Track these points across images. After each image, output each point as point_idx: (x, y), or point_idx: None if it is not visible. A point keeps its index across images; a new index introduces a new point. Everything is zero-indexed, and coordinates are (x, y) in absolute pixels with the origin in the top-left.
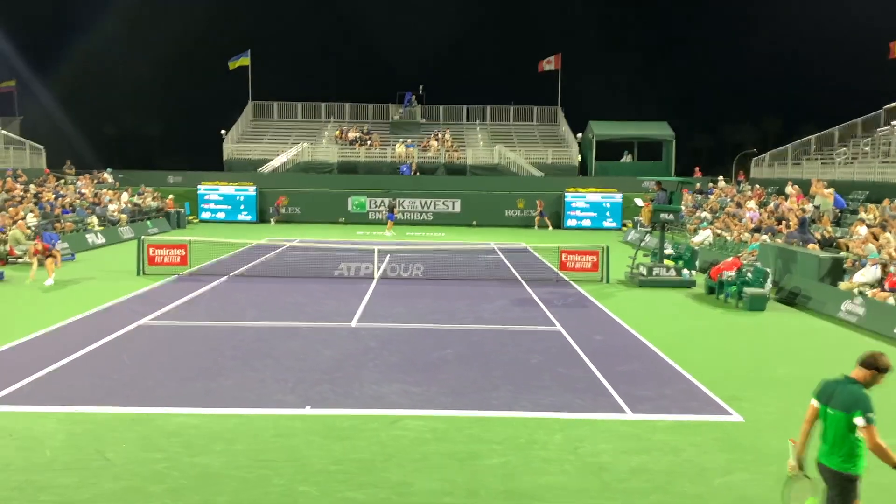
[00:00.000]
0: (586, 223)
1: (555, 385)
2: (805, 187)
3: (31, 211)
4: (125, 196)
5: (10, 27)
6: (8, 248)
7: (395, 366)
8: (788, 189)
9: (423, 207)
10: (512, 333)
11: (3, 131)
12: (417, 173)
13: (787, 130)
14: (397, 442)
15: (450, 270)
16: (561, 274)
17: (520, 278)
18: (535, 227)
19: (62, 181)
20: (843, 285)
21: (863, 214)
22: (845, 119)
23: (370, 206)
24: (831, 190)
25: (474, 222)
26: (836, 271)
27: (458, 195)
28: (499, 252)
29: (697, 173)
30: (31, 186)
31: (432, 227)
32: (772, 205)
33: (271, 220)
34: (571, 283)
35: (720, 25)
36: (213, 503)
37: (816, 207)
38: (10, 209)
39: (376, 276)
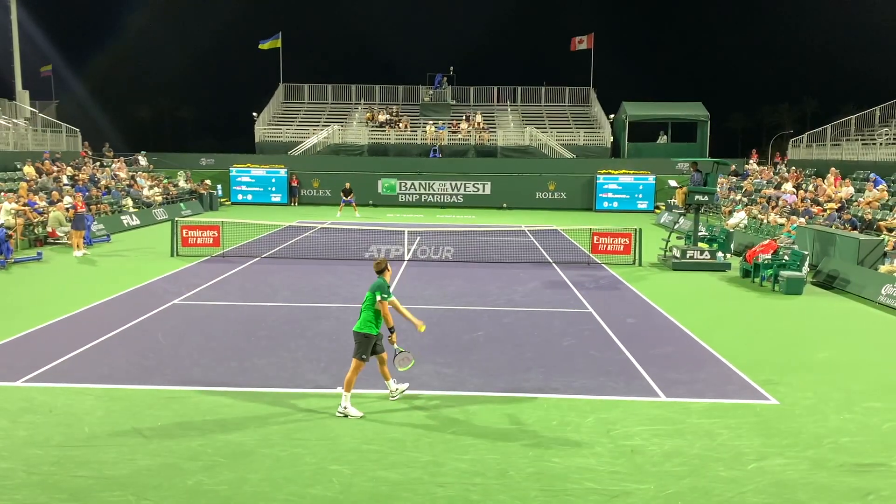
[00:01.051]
0: (618, 205)
1: (587, 367)
2: (845, 169)
3: (68, 194)
4: (164, 182)
5: (47, 13)
6: (49, 229)
7: (427, 347)
8: (829, 179)
9: (453, 189)
10: (544, 315)
11: (41, 114)
12: (440, 155)
13: (826, 110)
14: (429, 422)
15: (480, 253)
16: (593, 256)
17: (551, 261)
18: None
19: (98, 164)
20: (883, 269)
21: None
22: (886, 99)
23: (400, 189)
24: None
25: (504, 205)
26: (876, 254)
27: (489, 177)
28: (530, 235)
29: (754, 156)
30: (69, 169)
31: (462, 209)
32: (811, 187)
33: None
34: (603, 265)
35: (756, 4)
36: (247, 480)
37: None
38: (54, 193)
39: (406, 257)
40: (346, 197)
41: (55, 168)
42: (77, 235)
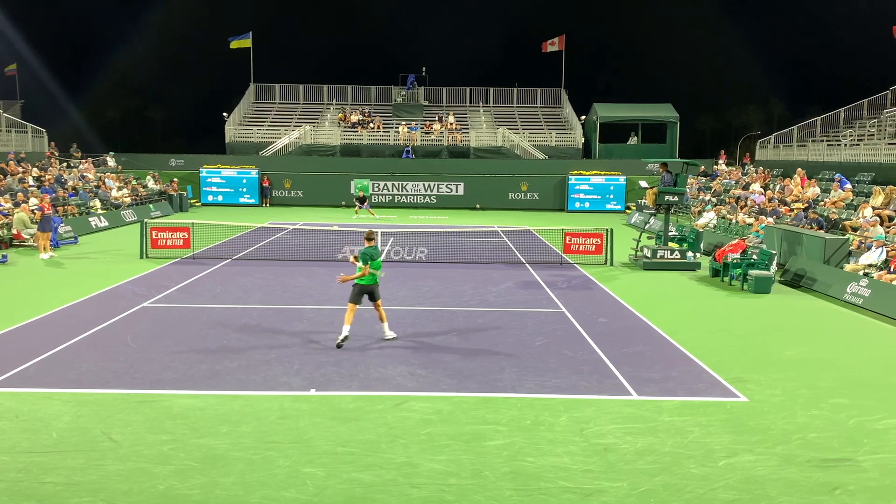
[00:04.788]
0: (589, 206)
1: (560, 367)
2: (811, 169)
3: (34, 195)
4: (132, 183)
5: (10, 11)
6: (14, 231)
7: (401, 348)
8: (796, 179)
9: (426, 190)
10: (517, 316)
11: (5, 114)
12: (413, 156)
13: (793, 112)
14: (403, 423)
15: (454, 253)
16: (565, 256)
17: (524, 261)
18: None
19: (65, 165)
20: (848, 267)
21: (872, 200)
22: (851, 101)
23: (373, 190)
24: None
25: (477, 205)
26: (842, 254)
27: (462, 178)
28: (503, 235)
29: (723, 157)
30: (34, 169)
31: (435, 210)
32: (777, 187)
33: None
34: (575, 265)
35: (724, 6)
36: (220, 484)
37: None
38: (19, 194)
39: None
40: (362, 204)
41: (20, 169)
42: (43, 237)
